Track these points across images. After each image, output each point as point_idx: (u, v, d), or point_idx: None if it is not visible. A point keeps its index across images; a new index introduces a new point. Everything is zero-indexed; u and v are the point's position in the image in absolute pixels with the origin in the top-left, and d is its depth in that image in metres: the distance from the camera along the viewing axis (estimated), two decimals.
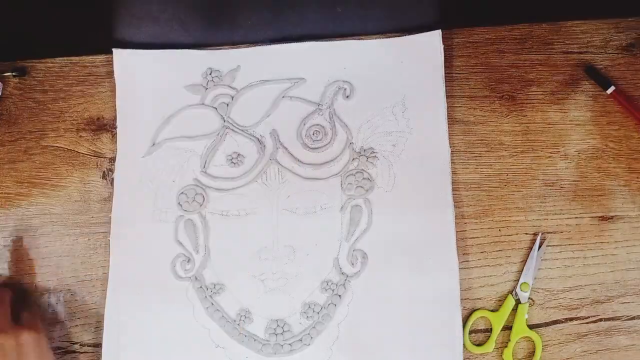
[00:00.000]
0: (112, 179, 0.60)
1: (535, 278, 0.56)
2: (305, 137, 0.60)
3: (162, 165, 0.60)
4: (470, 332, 0.56)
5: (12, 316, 0.54)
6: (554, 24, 0.62)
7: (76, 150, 0.62)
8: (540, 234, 0.57)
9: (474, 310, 0.56)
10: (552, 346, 0.56)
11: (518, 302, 0.56)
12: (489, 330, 0.56)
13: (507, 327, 0.56)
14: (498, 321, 0.56)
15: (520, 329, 0.55)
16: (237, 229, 0.58)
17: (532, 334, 0.55)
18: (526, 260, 0.57)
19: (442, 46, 0.60)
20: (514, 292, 0.56)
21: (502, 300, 0.57)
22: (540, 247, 0.57)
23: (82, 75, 0.64)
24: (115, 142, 0.61)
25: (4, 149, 0.62)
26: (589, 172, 0.59)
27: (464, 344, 0.55)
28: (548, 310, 0.56)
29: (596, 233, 0.58)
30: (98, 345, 0.57)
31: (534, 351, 0.55)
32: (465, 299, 0.56)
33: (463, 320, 0.56)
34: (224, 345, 0.56)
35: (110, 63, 0.63)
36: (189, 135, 0.61)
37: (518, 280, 0.56)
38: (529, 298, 0.56)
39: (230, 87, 0.62)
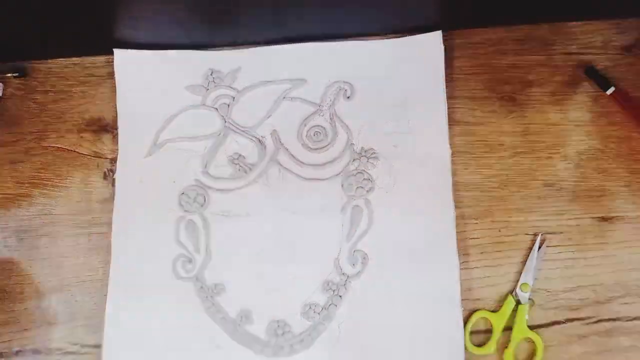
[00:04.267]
0: (113, 180, 0.60)
1: (535, 278, 0.56)
2: (306, 137, 0.60)
3: (163, 165, 0.60)
4: (471, 333, 0.56)
5: None
6: (554, 25, 0.62)
7: (77, 151, 0.62)
8: (540, 234, 0.57)
9: (474, 311, 0.56)
10: (553, 347, 0.56)
11: (518, 302, 0.56)
12: (489, 331, 0.56)
13: (508, 328, 0.56)
14: (499, 322, 0.56)
15: (520, 330, 0.55)
16: (238, 230, 0.58)
17: (533, 335, 0.55)
18: (526, 261, 0.57)
19: (442, 47, 0.60)
20: (514, 293, 0.56)
21: (502, 300, 0.56)
22: (540, 247, 0.57)
23: (83, 76, 0.64)
24: (116, 142, 0.61)
25: (5, 149, 0.62)
26: (589, 173, 0.59)
27: (464, 345, 0.55)
28: (548, 311, 0.56)
29: (596, 234, 0.58)
30: (98, 346, 0.57)
31: (535, 352, 0.55)
32: (466, 300, 0.56)
33: (463, 321, 0.56)
34: (225, 346, 0.56)
35: (111, 64, 0.63)
36: (190, 136, 0.61)
37: (518, 280, 0.56)
38: (529, 299, 0.56)
39: (231, 87, 0.62)
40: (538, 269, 0.57)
